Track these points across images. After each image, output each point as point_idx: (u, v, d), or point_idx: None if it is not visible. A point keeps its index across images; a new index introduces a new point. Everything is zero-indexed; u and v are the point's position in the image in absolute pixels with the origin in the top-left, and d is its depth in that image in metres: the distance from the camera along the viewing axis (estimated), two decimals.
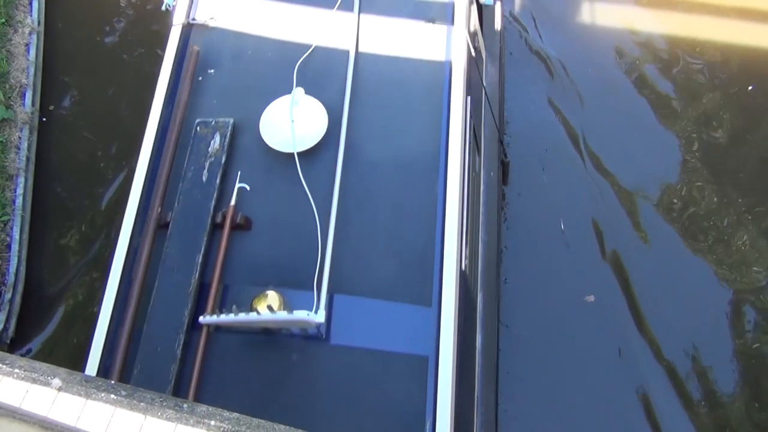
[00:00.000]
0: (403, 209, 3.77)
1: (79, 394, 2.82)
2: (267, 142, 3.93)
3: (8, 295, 5.86)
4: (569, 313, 5.71)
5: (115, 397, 2.82)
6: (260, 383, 3.47)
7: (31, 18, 7.00)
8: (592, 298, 5.73)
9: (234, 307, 3.44)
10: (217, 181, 3.85)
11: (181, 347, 3.49)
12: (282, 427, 2.92)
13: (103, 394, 2.82)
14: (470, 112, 4.19)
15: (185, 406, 2.88)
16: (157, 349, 3.50)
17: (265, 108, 4.01)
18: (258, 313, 3.40)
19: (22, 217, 6.15)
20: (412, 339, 3.48)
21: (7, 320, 5.81)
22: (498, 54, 5.94)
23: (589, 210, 6.12)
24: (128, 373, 3.49)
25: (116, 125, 6.77)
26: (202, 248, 3.70)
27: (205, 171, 3.89)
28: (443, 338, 3.46)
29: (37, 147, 6.57)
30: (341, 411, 3.40)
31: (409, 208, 3.76)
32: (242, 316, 3.38)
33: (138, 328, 3.60)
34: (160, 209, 3.86)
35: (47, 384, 2.83)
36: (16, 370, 2.86)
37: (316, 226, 3.68)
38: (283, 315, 3.34)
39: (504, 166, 5.70)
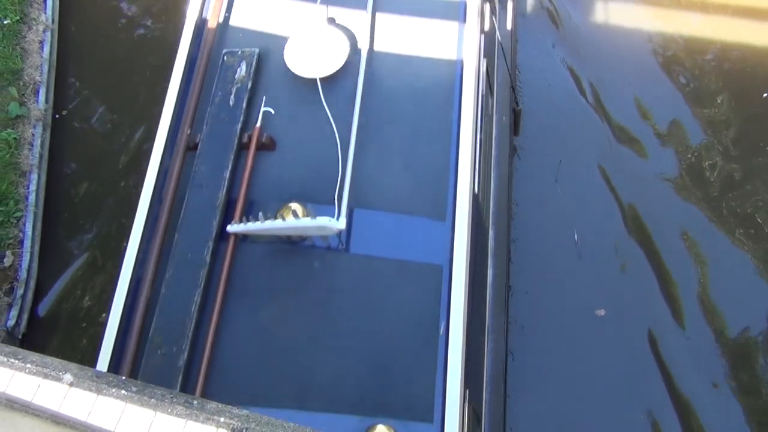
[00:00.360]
0: (419, 133, 3.98)
1: (90, 390, 2.84)
2: (291, 69, 4.15)
3: (20, 291, 5.90)
4: (581, 325, 5.65)
5: (126, 393, 2.83)
6: (283, 288, 3.69)
7: (45, 15, 7.04)
8: (602, 312, 5.66)
9: (260, 214, 3.66)
10: (244, 105, 4.08)
11: (209, 254, 3.72)
12: (291, 424, 2.93)
13: (113, 390, 2.84)
14: (484, 50, 4.39)
15: (195, 402, 2.89)
16: (188, 256, 3.74)
17: (289, 39, 4.23)
18: (283, 219, 3.60)
19: (35, 214, 6.19)
20: (428, 249, 3.71)
21: (19, 315, 5.85)
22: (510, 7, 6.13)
23: (606, 217, 6.04)
24: (160, 278, 3.73)
25: (130, 122, 6.79)
26: (230, 165, 3.92)
27: (232, 96, 4.12)
28: (457, 249, 3.68)
29: (50, 144, 6.61)
30: (360, 314, 3.61)
31: (425, 132, 3.98)
32: (268, 223, 3.60)
33: (168, 242, 3.83)
34: (189, 131, 4.08)
35: (59, 379, 2.85)
36: (28, 365, 2.88)
37: (337, 145, 3.89)
38: (306, 221, 3.57)
39: (516, 115, 5.83)
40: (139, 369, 3.56)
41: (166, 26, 7.26)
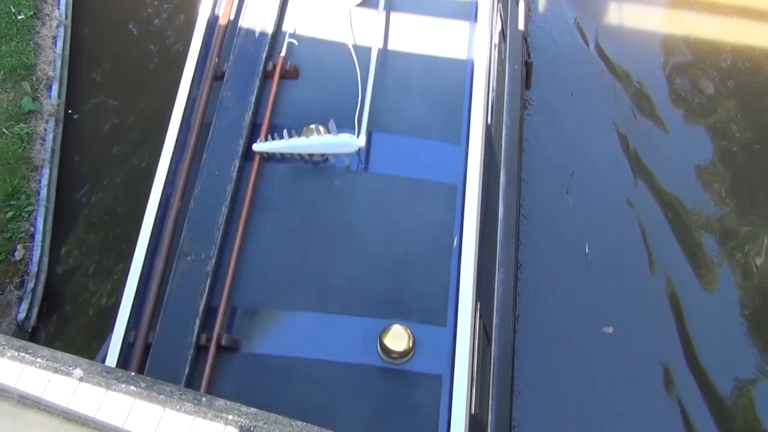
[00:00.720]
0: (436, 62, 4.26)
1: (100, 385, 2.85)
2: (314, 1, 4.40)
3: (31, 285, 5.93)
4: (587, 344, 5.56)
5: (135, 389, 2.84)
6: (305, 203, 3.94)
7: (59, 11, 7.07)
8: (610, 330, 5.57)
9: (285, 132, 3.94)
10: (269, 35, 4.32)
11: (236, 171, 3.95)
12: (299, 423, 2.93)
13: (123, 386, 2.85)
14: None
15: (203, 399, 2.90)
16: (215, 173, 3.97)
17: None
18: (307, 137, 3.89)
19: (46, 208, 6.22)
20: (443, 169, 3.96)
21: (30, 309, 5.88)
22: None
23: (618, 231, 5.93)
24: (188, 194, 3.96)
25: (143, 117, 6.81)
26: (255, 91, 4.15)
27: (258, 27, 4.37)
28: (470, 170, 3.92)
29: (62, 139, 6.63)
30: (378, 226, 3.86)
31: (441, 63, 4.25)
32: (292, 141, 3.90)
33: (196, 163, 4.04)
34: (217, 60, 4.32)
35: (69, 374, 2.86)
36: (39, 360, 2.90)
37: (357, 71, 4.12)
38: (328, 137, 3.86)
39: (527, 67, 5.94)
40: (170, 274, 3.77)
41: (181, 20, 7.28)
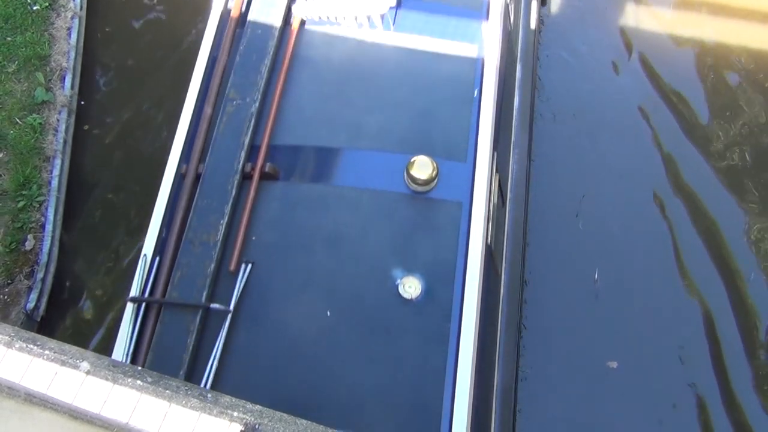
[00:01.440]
0: None
1: (106, 379, 2.86)
2: None
3: (40, 275, 5.96)
4: (590, 377, 5.42)
5: (141, 384, 2.85)
6: (340, 61, 4.38)
7: (74, 2, 7.09)
8: (615, 364, 5.45)
9: None
10: None
11: (278, 32, 4.41)
12: (303, 421, 2.93)
13: (129, 380, 2.85)
14: None
15: (209, 396, 2.90)
16: (258, 32, 4.43)
17: None
18: None
19: (57, 199, 6.24)
20: (466, 32, 4.39)
21: (39, 299, 5.91)
22: None
23: (630, 259, 5.75)
24: (233, 52, 4.42)
25: (155, 111, 6.83)
26: None
27: None
28: (491, 35, 4.33)
29: (74, 130, 6.66)
30: (406, 78, 4.28)
31: None
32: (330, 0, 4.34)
33: (239, 32, 4.47)
34: None
35: (76, 367, 2.87)
36: (46, 352, 2.91)
37: None
38: None
39: None
40: (217, 115, 4.21)
41: (193, 12, 7.29)
